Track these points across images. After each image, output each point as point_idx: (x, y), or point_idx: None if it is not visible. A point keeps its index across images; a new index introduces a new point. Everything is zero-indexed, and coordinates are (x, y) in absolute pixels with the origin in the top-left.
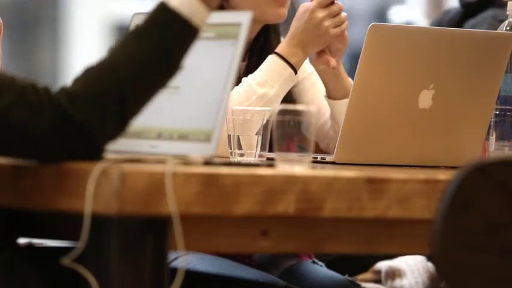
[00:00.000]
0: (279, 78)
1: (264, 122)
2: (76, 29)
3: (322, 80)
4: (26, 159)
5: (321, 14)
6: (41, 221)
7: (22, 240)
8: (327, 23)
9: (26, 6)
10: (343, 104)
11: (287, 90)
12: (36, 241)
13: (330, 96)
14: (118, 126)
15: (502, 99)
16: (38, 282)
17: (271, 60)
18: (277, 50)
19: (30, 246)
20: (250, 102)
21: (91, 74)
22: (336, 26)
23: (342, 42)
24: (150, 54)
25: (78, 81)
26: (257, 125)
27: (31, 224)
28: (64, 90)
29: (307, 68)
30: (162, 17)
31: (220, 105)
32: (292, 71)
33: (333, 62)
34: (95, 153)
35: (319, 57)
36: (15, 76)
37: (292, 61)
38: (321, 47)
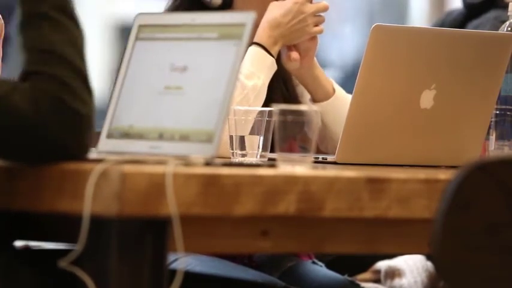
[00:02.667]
0: (263, 68)
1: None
2: None
3: (300, 82)
4: (24, 150)
5: (308, 9)
6: (39, 223)
7: (19, 243)
8: (310, 20)
9: None
10: (325, 106)
11: (270, 78)
12: (34, 243)
13: (312, 99)
14: (91, 95)
15: (503, 99)
16: (36, 285)
17: (253, 51)
18: (258, 40)
19: (27, 248)
20: (243, 95)
21: (42, 66)
22: (315, 25)
23: (312, 42)
24: (49, 18)
25: (35, 77)
26: (258, 125)
27: (29, 226)
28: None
29: None
30: None
31: (222, 106)
32: (273, 59)
33: (293, 54)
34: (91, 132)
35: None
36: (6, 78)
37: (272, 51)
38: (297, 41)
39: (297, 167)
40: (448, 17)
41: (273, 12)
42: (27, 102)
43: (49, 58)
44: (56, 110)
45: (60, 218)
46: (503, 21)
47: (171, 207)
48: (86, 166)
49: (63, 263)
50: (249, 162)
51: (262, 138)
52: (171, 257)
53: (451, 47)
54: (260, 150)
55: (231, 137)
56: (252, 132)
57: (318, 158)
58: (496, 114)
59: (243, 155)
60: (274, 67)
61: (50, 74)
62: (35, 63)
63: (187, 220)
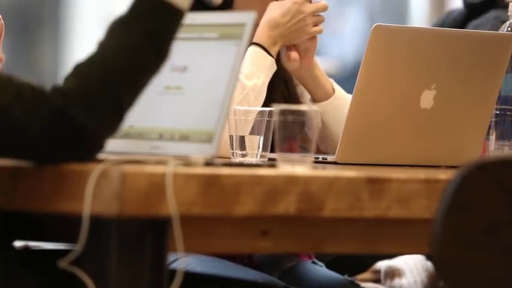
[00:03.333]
0: (263, 68)
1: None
2: (78, 29)
3: (299, 82)
4: (23, 160)
5: (307, 8)
6: (39, 223)
7: (19, 243)
8: (309, 20)
9: (27, 6)
10: (325, 106)
11: (270, 78)
12: (33, 244)
13: (312, 99)
14: (115, 119)
15: (503, 99)
16: (36, 285)
17: (253, 51)
18: (258, 40)
19: (27, 249)
20: (243, 95)
21: (81, 71)
22: (315, 25)
23: (312, 42)
24: (138, 41)
25: (69, 79)
26: (258, 125)
27: (29, 226)
28: (57, 89)
29: None
30: (145, 3)
31: (222, 106)
32: (272, 59)
33: (293, 54)
34: (95, 151)
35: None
36: (12, 76)
37: (272, 51)
38: (296, 41)
39: (297, 167)
40: (448, 17)
41: (272, 12)
42: (29, 113)
43: (86, 72)
44: (58, 124)
45: (60, 218)
46: (503, 21)
47: (171, 207)
48: (86, 166)
49: (63, 263)
50: (249, 162)
51: (262, 138)
52: (171, 257)
53: (451, 47)
54: (260, 150)
55: (231, 137)
56: (252, 132)
57: (318, 158)
58: (496, 114)
59: (243, 155)
60: (274, 67)
61: (74, 87)
62: (73, 74)
63: (187, 220)
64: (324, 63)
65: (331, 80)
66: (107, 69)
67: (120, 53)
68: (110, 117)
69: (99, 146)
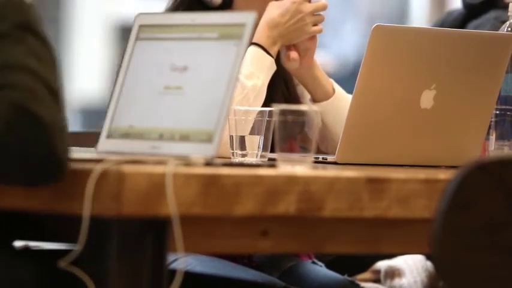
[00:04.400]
0: (262, 68)
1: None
2: (78, 29)
3: (299, 82)
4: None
5: (306, 8)
6: (39, 222)
7: (19, 243)
8: (308, 19)
9: None
10: (325, 106)
11: (269, 78)
12: (33, 244)
13: (312, 99)
14: (56, 105)
15: (502, 99)
16: (36, 285)
17: (253, 52)
18: (257, 40)
19: (26, 248)
20: (243, 95)
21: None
22: (314, 24)
23: (312, 41)
24: (10, 36)
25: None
26: (258, 125)
27: (29, 226)
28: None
29: None
30: None
31: (222, 106)
32: (272, 59)
33: (292, 54)
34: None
35: (285, 53)
36: None
37: (271, 51)
38: (296, 40)
39: (297, 167)
40: (448, 17)
41: (271, 12)
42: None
43: (9, 69)
44: (18, 119)
45: (60, 218)
46: (503, 22)
47: (171, 207)
48: (85, 166)
49: (63, 263)
50: (249, 162)
51: (262, 138)
52: (171, 257)
53: (451, 47)
54: (260, 150)
55: (231, 137)
56: (252, 132)
57: (318, 158)
58: (496, 114)
59: (243, 155)
60: (274, 67)
61: (11, 83)
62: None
63: (187, 220)
64: (323, 62)
65: (331, 80)
66: (21, 65)
67: (18, 54)
68: (56, 105)
69: (63, 136)
